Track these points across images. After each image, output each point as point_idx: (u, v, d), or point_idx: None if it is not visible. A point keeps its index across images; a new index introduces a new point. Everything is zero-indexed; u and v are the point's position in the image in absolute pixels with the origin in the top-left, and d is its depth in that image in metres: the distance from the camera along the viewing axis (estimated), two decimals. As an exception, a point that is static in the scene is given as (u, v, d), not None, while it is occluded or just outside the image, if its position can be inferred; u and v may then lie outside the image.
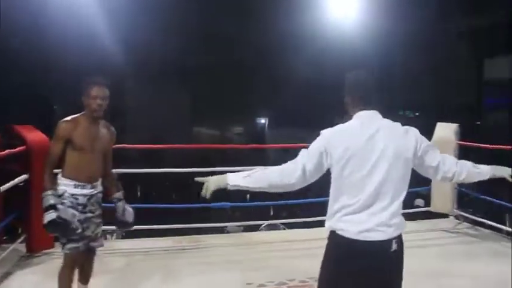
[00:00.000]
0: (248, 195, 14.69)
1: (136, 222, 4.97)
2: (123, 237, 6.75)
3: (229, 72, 19.04)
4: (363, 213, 2.21)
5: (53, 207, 3.05)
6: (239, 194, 13.47)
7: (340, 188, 2.27)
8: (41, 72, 13.78)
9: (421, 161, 2.30)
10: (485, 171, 2.47)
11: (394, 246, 2.20)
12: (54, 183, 3.16)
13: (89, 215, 3.24)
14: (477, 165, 2.46)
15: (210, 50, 18.47)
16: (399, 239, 2.24)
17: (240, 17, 16.29)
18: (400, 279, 2.30)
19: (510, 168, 2.52)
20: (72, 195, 3.17)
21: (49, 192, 3.10)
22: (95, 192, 3.27)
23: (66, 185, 3.17)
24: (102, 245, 3.43)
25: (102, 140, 3.28)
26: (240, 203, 11.39)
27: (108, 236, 7.07)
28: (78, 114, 3.23)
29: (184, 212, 7.42)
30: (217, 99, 19.50)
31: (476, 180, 2.48)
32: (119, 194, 3.44)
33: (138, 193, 14.95)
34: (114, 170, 5.07)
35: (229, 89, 19.37)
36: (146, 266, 4.41)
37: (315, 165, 2.29)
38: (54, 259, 4.24)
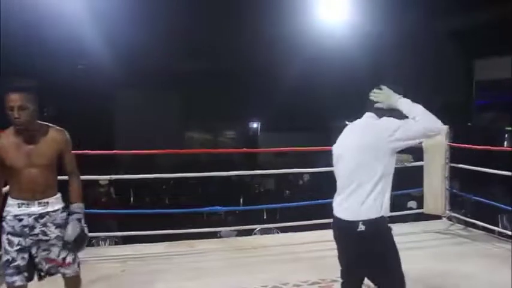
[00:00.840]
0: (242, 199, 14.70)
1: (128, 228, 4.91)
2: (116, 243, 6.73)
3: (221, 76, 19.04)
4: (342, 195, 2.68)
5: None
6: (232, 199, 13.46)
7: (335, 176, 2.81)
8: (27, 76, 13.71)
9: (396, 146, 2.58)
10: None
11: (362, 228, 2.54)
12: None
13: (42, 237, 2.85)
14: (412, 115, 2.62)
15: (202, 54, 18.47)
16: (369, 223, 2.54)
17: (231, 22, 16.31)
18: (371, 262, 2.58)
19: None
20: (16, 216, 2.82)
21: None
22: (46, 211, 2.87)
23: (11, 205, 2.85)
24: (74, 272, 2.98)
25: (42, 150, 2.86)
26: (233, 207, 11.37)
27: (101, 242, 7.03)
28: (9, 128, 2.87)
29: (177, 217, 7.42)
30: (209, 104, 19.49)
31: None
32: (72, 206, 2.94)
33: (131, 199, 14.90)
34: (107, 176, 5.03)
35: (222, 93, 19.37)
36: (140, 272, 4.39)
37: None
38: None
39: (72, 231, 2.87)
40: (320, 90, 17.92)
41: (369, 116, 2.73)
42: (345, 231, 2.64)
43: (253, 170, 12.56)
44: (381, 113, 2.69)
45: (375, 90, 2.74)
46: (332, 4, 12.24)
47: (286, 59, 16.69)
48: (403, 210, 6.64)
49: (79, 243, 2.91)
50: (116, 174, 10.94)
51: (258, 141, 22.19)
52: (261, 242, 5.54)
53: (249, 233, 6.33)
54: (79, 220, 2.92)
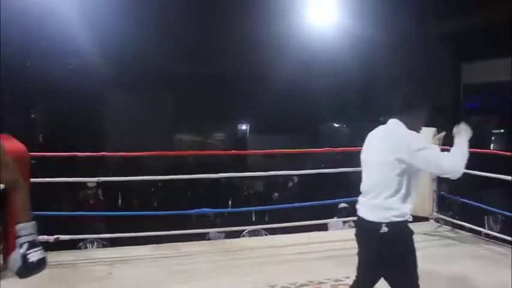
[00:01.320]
0: (230, 201, 14.68)
1: (116, 231, 4.85)
2: (104, 246, 6.69)
3: (210, 78, 19.00)
4: (366, 197, 2.78)
5: None
6: (221, 201, 13.44)
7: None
8: (17, 79, 13.58)
9: (413, 163, 2.66)
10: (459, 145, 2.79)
11: (385, 229, 2.63)
12: None
13: None
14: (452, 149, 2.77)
15: (191, 56, 18.42)
16: (392, 225, 2.64)
17: (221, 24, 16.30)
18: (390, 263, 2.68)
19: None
20: None
21: None
22: None
23: None
24: None
25: None
26: (222, 209, 11.34)
27: (89, 244, 6.97)
28: None
29: (165, 219, 7.38)
30: (198, 106, 19.44)
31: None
32: (16, 229, 2.36)
33: (120, 201, 14.81)
34: (95, 179, 4.98)
35: (211, 95, 19.33)
36: (127, 275, 4.36)
37: None
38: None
39: (13, 264, 2.34)
40: (309, 93, 17.95)
41: (394, 123, 2.79)
42: (367, 232, 2.75)
43: (242, 172, 12.59)
44: (410, 123, 2.77)
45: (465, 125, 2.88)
46: (322, 7, 12.28)
47: (276, 62, 16.70)
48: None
49: (26, 273, 2.38)
50: (104, 176, 10.90)
51: (247, 143, 22.17)
52: (249, 244, 5.53)
53: (238, 235, 6.32)
54: (25, 245, 2.35)
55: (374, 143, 2.84)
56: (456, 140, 2.80)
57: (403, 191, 2.67)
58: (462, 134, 2.82)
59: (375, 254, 2.72)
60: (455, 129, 2.86)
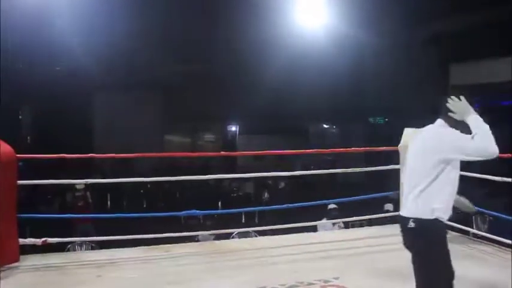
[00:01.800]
0: (220, 203, 14.67)
1: (105, 233, 4.83)
2: (93, 248, 6.64)
3: (201, 80, 18.99)
4: (404, 194, 2.92)
5: None
6: (210, 203, 13.42)
7: None
8: (3, 81, 13.46)
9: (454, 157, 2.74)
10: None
11: (412, 225, 2.77)
12: None
13: None
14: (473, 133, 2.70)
15: (182, 57, 18.38)
16: (419, 222, 2.75)
17: (210, 25, 16.28)
18: (421, 258, 2.79)
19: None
20: None
21: None
22: None
23: None
24: None
25: None
26: (210, 211, 11.32)
27: (77, 247, 6.92)
28: None
29: (155, 220, 7.36)
30: (188, 107, 19.40)
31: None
32: None
33: (109, 203, 14.74)
34: (83, 181, 4.95)
35: (201, 96, 19.30)
36: (116, 277, 4.34)
37: None
38: (19, 273, 4.14)
39: None
40: (298, 94, 17.98)
41: (440, 124, 2.87)
42: (400, 226, 2.93)
43: (231, 173, 12.59)
44: (452, 122, 2.81)
45: (453, 97, 2.80)
46: (312, 9, 12.34)
47: (265, 63, 16.72)
48: (380, 213, 6.69)
49: None
50: (93, 178, 10.82)
51: (237, 144, 22.17)
52: (238, 245, 5.52)
53: (227, 236, 6.31)
54: None
55: (417, 143, 2.94)
56: (470, 123, 2.72)
57: (433, 189, 2.76)
58: (471, 115, 2.74)
59: (406, 246, 2.90)
60: (456, 114, 2.77)
